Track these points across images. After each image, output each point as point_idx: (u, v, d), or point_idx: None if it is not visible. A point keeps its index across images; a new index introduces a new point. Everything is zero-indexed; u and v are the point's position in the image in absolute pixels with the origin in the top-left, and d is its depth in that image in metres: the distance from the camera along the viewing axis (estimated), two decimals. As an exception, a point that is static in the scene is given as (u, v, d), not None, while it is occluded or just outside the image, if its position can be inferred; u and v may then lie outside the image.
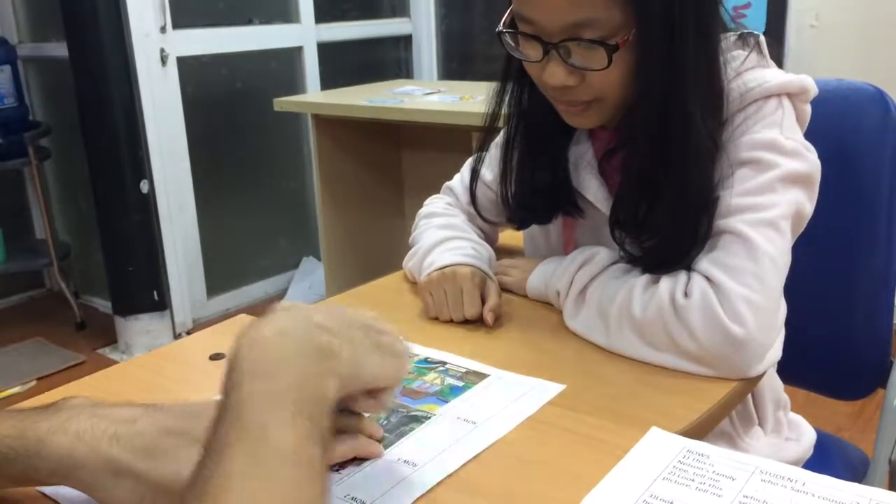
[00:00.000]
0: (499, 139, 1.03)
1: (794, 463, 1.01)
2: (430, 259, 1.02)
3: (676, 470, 0.61)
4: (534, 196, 0.99)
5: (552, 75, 0.84)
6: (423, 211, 1.18)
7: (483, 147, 1.07)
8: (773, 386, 1.02)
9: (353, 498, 0.61)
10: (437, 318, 0.97)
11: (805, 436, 1.06)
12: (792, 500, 0.57)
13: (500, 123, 1.00)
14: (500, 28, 0.88)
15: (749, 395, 0.97)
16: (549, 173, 0.97)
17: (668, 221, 0.85)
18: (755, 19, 2.72)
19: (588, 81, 0.84)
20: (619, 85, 0.84)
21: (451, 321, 0.96)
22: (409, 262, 1.09)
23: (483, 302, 0.96)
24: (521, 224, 1.06)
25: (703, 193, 0.84)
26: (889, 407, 1.07)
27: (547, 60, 0.84)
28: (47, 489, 0.65)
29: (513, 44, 0.88)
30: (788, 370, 1.00)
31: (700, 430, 0.73)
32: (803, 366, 1.04)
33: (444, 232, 1.07)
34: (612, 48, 0.79)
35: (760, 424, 1.00)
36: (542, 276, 0.99)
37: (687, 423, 0.72)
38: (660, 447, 0.65)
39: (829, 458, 1.11)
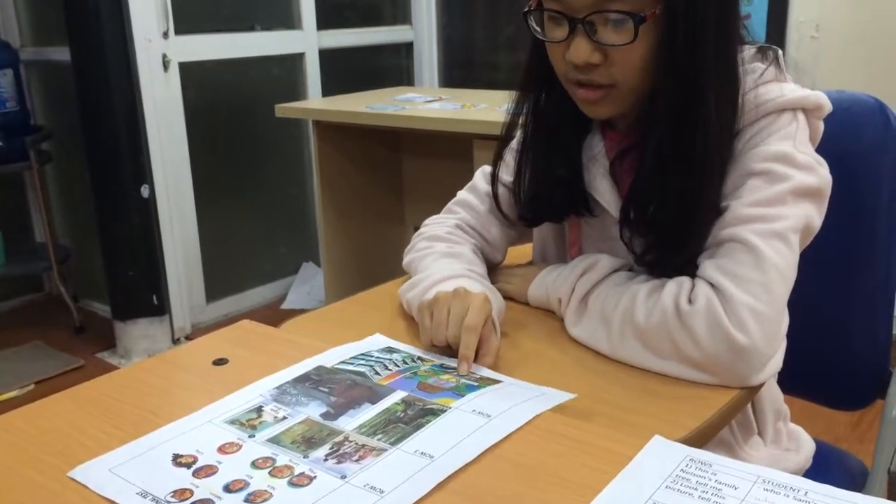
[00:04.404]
0: (513, 144, 1.04)
1: (794, 473, 1.01)
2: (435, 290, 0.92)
3: (679, 478, 0.62)
4: (548, 189, 0.99)
5: (577, 51, 0.85)
6: (424, 232, 1.10)
7: (500, 156, 1.06)
8: (773, 396, 1.02)
9: (371, 487, 0.62)
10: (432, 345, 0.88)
11: (804, 446, 1.06)
12: (793, 509, 0.57)
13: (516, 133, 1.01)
14: (527, 9, 0.89)
15: (749, 405, 0.97)
16: (564, 167, 0.97)
17: (674, 222, 0.86)
18: (755, 30, 2.73)
19: (610, 60, 0.85)
20: (639, 67, 0.85)
21: (447, 347, 0.86)
22: (409, 292, 0.98)
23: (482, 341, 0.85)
24: (533, 220, 1.05)
25: (710, 197, 0.85)
26: (888, 417, 1.08)
27: (572, 38, 0.85)
28: (77, 473, 0.65)
29: (538, 27, 0.90)
30: (787, 380, 1.00)
31: (701, 438, 0.73)
32: (802, 376, 1.05)
33: (450, 264, 0.99)
34: (640, 20, 0.81)
35: (760, 434, 1.00)
36: (544, 284, 0.99)
37: (688, 430, 0.72)
38: (662, 455, 0.65)
39: (827, 468, 1.11)
